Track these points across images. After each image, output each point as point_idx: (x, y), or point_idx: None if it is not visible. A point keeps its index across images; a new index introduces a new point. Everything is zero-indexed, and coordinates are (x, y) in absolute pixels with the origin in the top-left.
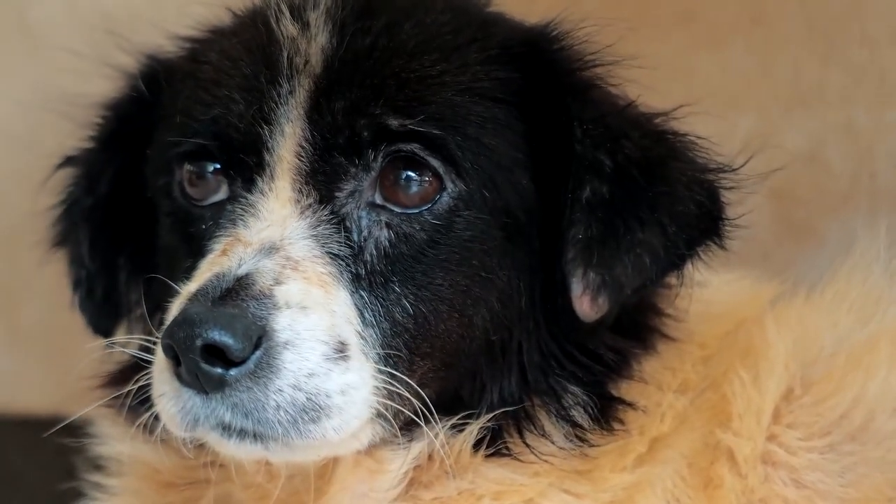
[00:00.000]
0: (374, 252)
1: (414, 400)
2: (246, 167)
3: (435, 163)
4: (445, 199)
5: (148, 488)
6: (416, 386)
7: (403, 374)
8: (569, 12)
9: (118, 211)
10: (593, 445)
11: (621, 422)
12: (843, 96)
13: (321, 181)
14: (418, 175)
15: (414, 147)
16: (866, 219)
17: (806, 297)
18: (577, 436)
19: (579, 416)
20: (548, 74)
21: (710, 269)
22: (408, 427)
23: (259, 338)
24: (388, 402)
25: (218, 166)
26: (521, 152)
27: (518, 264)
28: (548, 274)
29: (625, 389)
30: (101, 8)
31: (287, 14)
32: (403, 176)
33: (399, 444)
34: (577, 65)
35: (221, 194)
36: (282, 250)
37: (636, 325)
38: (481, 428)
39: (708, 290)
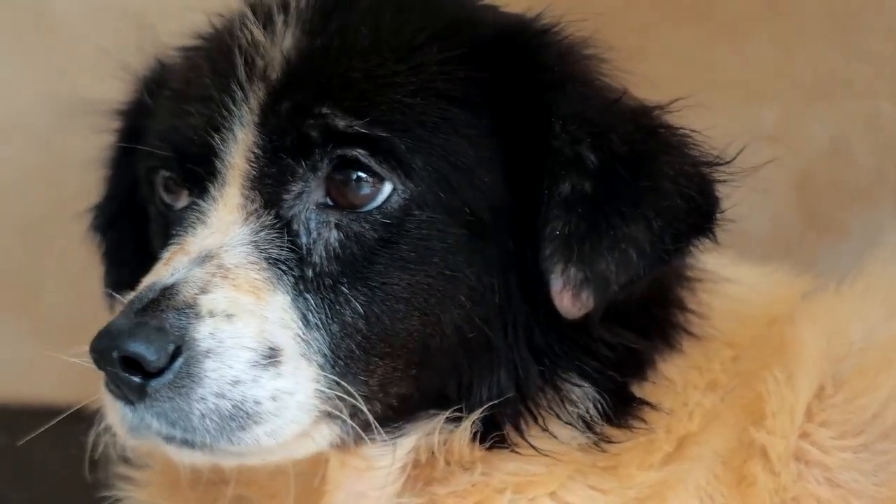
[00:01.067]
0: (324, 254)
1: (380, 400)
2: (199, 176)
3: (380, 167)
4: (395, 199)
5: (170, 482)
6: (374, 386)
7: (359, 374)
8: (587, 6)
9: (138, 214)
10: (611, 442)
11: (642, 419)
12: (865, 88)
13: (268, 185)
14: (367, 176)
15: (358, 152)
16: (892, 211)
17: (836, 291)
18: (591, 432)
19: (588, 412)
20: (525, 70)
21: (738, 263)
22: (392, 424)
23: (178, 348)
24: (340, 404)
25: (176, 176)
26: (488, 151)
27: (489, 262)
28: (533, 271)
29: (648, 387)
30: (122, 3)
31: (251, 20)
32: (353, 177)
33: (385, 441)
34: (557, 59)
35: (184, 201)
36: (216, 258)
37: (657, 322)
38: (477, 422)
39: (737, 287)
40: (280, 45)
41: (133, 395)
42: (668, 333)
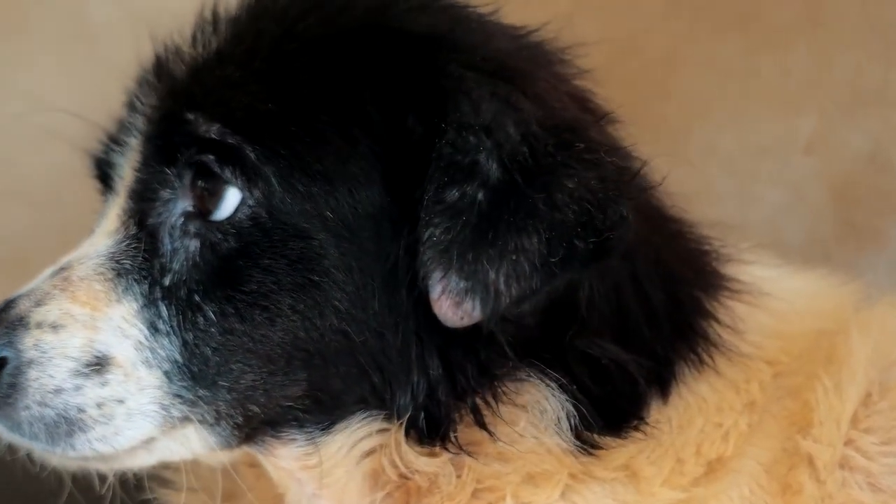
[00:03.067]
0: (184, 262)
1: (261, 404)
2: (104, 186)
3: (228, 174)
4: (245, 209)
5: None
6: (244, 391)
7: (219, 380)
8: (628, 15)
9: None
10: (599, 449)
11: (640, 431)
12: None
13: (142, 194)
14: (221, 184)
15: (208, 158)
16: None
17: (889, 302)
18: (575, 439)
19: (559, 422)
20: (425, 77)
21: (783, 276)
22: (306, 425)
23: (2, 359)
24: (199, 409)
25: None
26: (362, 158)
27: (366, 267)
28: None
29: (674, 404)
30: (161, 10)
31: (178, 40)
32: (211, 185)
33: (304, 442)
34: (465, 67)
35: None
36: (67, 270)
37: (683, 334)
38: (414, 427)
39: (780, 302)
40: (185, 58)
41: None
42: (696, 346)
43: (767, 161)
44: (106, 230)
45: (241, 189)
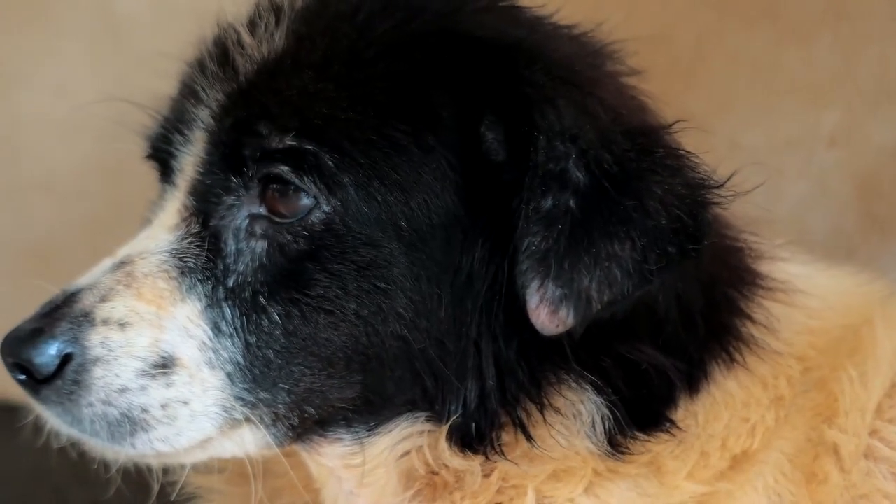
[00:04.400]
0: (249, 263)
1: (316, 406)
2: (162, 173)
3: (303, 182)
4: (318, 214)
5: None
6: (302, 393)
7: (280, 383)
8: (651, 9)
9: None
10: (629, 454)
11: (669, 433)
12: None
13: (204, 193)
14: (294, 190)
15: (281, 169)
16: None
17: None
18: (606, 444)
19: (594, 426)
20: (508, 85)
21: (814, 273)
22: (354, 426)
23: (68, 355)
24: (258, 411)
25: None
26: (437, 166)
27: (433, 276)
28: (496, 287)
29: (702, 400)
30: (190, 5)
31: (243, 20)
32: (284, 189)
33: (350, 441)
34: (548, 74)
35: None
36: (129, 265)
37: (716, 333)
38: (461, 430)
39: (811, 298)
40: (251, 52)
41: (33, 395)
42: (728, 345)
43: (792, 154)
44: (166, 224)
45: (318, 197)
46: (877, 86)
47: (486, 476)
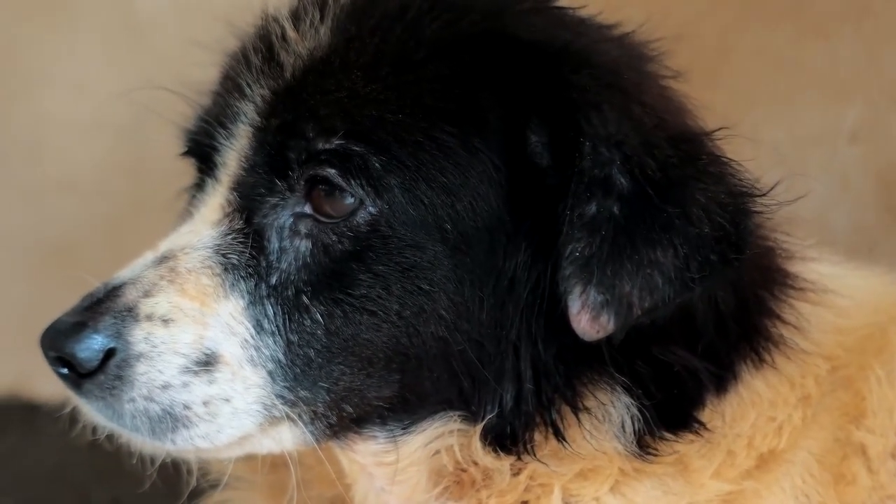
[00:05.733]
0: (292, 262)
1: (354, 404)
2: (203, 167)
3: (349, 184)
4: (363, 215)
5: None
6: (341, 392)
7: (319, 381)
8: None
9: None
10: (657, 454)
11: (697, 434)
12: None
13: (248, 191)
14: (340, 191)
15: (328, 171)
16: None
17: None
18: (634, 444)
19: (624, 427)
20: (554, 89)
21: (843, 273)
22: (389, 424)
23: (111, 349)
24: (298, 409)
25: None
26: (482, 169)
27: (476, 279)
28: (537, 291)
29: (730, 399)
30: (209, 3)
31: (287, 14)
32: (330, 190)
33: (384, 439)
34: (594, 79)
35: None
36: (173, 260)
37: (746, 333)
38: (496, 429)
39: (840, 298)
40: (297, 48)
41: (74, 389)
42: (758, 345)
43: (814, 150)
44: (208, 219)
45: (364, 199)
46: None
47: (515, 475)
